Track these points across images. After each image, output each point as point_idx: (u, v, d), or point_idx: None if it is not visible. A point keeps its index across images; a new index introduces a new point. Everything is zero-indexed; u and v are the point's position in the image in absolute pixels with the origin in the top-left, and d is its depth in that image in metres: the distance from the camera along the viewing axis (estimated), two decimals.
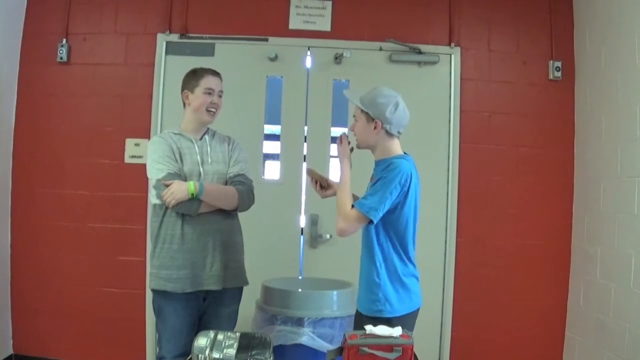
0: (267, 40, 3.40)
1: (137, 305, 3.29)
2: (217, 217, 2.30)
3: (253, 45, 3.39)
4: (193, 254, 2.25)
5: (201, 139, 2.40)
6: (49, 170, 3.37)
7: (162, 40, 3.39)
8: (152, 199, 2.32)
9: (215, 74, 2.39)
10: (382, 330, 1.62)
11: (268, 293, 2.65)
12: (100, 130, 3.36)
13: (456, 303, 3.35)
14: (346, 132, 2.23)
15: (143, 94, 3.36)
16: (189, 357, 1.65)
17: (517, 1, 3.44)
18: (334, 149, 3.43)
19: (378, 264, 2.04)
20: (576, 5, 3.39)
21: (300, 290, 2.66)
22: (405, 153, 2.16)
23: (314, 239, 3.34)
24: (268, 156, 3.82)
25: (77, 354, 3.32)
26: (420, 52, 3.39)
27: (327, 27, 3.42)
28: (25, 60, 3.40)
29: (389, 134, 2.09)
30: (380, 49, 3.41)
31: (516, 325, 3.34)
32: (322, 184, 2.32)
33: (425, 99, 3.41)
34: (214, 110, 2.37)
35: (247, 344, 1.62)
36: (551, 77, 3.38)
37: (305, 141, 3.40)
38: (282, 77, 3.44)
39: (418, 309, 2.10)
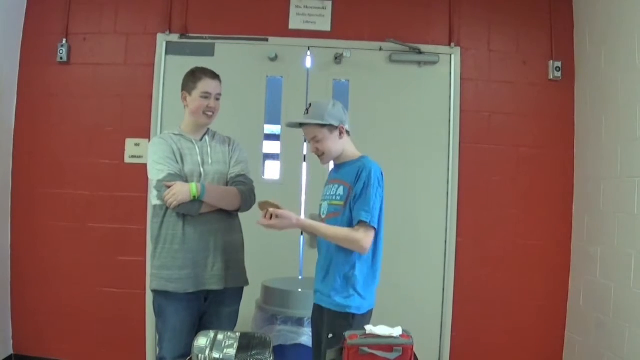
0: (267, 40, 3.40)
1: (137, 305, 3.29)
2: (218, 217, 2.30)
3: (253, 45, 3.40)
4: (194, 254, 2.25)
5: (201, 139, 2.40)
6: (49, 170, 3.37)
7: (162, 40, 3.39)
8: (153, 199, 2.32)
9: (214, 76, 2.37)
10: (382, 330, 1.62)
11: (268, 293, 2.65)
12: (100, 130, 3.36)
13: (456, 303, 3.35)
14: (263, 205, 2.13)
15: (143, 94, 3.36)
16: (189, 357, 1.65)
17: (517, 1, 3.44)
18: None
19: (355, 258, 2.06)
20: (576, 5, 3.39)
21: (300, 290, 2.65)
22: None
23: (314, 239, 3.33)
24: (268, 156, 3.83)
25: (77, 354, 3.32)
26: (420, 52, 3.39)
27: (327, 27, 3.42)
28: (25, 60, 3.40)
29: (348, 134, 2.18)
30: (380, 49, 3.41)
31: (516, 325, 3.34)
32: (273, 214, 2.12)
33: (425, 99, 3.42)
34: (211, 113, 2.36)
35: (247, 344, 1.62)
36: (551, 77, 3.38)
37: (305, 141, 3.39)
38: (282, 77, 3.44)
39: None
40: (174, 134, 2.37)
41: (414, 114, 3.42)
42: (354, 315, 2.03)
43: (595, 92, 3.17)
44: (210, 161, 2.35)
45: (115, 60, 3.40)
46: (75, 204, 3.35)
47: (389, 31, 3.38)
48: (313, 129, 2.14)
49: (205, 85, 2.33)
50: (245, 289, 2.44)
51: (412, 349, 1.60)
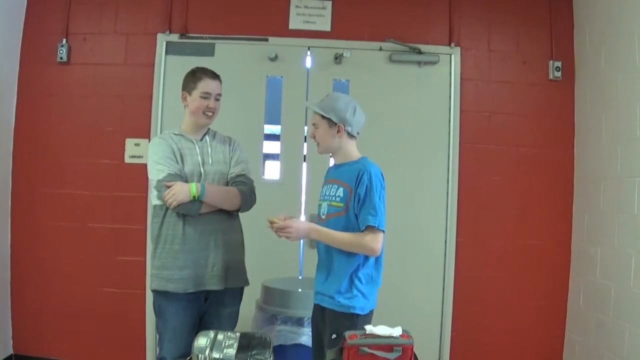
0: (267, 40, 3.40)
1: (137, 305, 3.29)
2: (218, 217, 2.30)
3: (253, 45, 3.40)
4: (194, 254, 2.25)
5: (202, 139, 2.40)
6: (49, 170, 3.37)
7: (162, 40, 3.39)
8: (153, 199, 2.32)
9: (214, 76, 2.37)
10: (382, 330, 1.62)
11: (268, 293, 2.65)
12: (100, 130, 3.36)
13: (456, 303, 3.35)
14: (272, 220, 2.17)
15: (143, 94, 3.36)
16: (189, 358, 1.65)
17: (517, 1, 3.44)
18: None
19: (359, 259, 2.06)
20: (576, 5, 3.39)
21: (300, 290, 2.65)
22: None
23: (314, 240, 3.34)
24: (268, 156, 3.83)
25: (77, 354, 3.32)
26: (420, 52, 3.39)
27: (327, 27, 3.42)
28: (25, 60, 3.40)
29: (350, 136, 2.17)
30: (380, 49, 3.41)
31: (516, 325, 3.34)
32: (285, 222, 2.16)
33: (425, 99, 3.42)
34: (210, 113, 2.36)
35: (247, 344, 1.62)
36: (551, 77, 3.38)
37: (305, 141, 3.40)
38: (282, 77, 3.44)
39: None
40: (174, 134, 2.37)
41: (414, 114, 3.42)
42: (357, 315, 2.03)
43: (595, 92, 3.17)
44: (210, 161, 2.35)
45: (115, 60, 3.40)
46: (75, 204, 3.35)
47: (389, 31, 3.38)
48: (317, 115, 2.17)
49: (205, 85, 2.33)
50: (245, 289, 2.44)
51: (412, 349, 1.59)
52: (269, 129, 3.57)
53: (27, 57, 3.40)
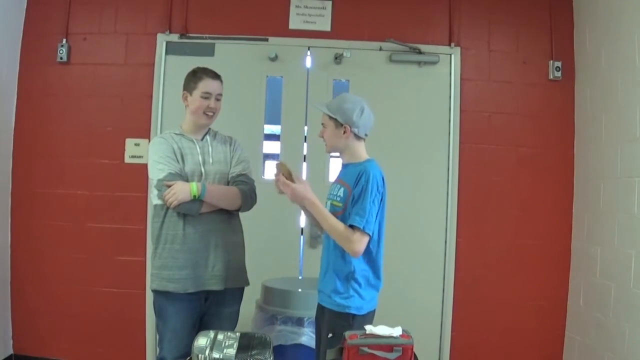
0: (267, 40, 3.40)
1: (137, 305, 3.29)
2: (218, 217, 2.30)
3: (253, 45, 3.40)
4: (195, 254, 2.25)
5: (202, 139, 2.40)
6: (49, 170, 3.37)
7: (162, 40, 3.39)
8: (154, 199, 2.31)
9: (215, 76, 2.37)
10: (382, 330, 1.62)
11: (268, 293, 2.65)
12: (100, 130, 3.36)
13: (456, 303, 3.35)
14: (280, 162, 2.23)
15: (143, 94, 3.36)
16: (189, 358, 1.65)
17: (517, 1, 3.44)
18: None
19: (354, 260, 2.06)
20: (576, 5, 3.39)
21: (300, 290, 2.65)
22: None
23: (314, 239, 3.33)
24: (268, 156, 3.82)
25: (77, 354, 3.32)
26: (420, 52, 3.39)
27: (327, 27, 3.42)
28: (25, 60, 3.40)
29: (357, 137, 2.16)
30: (380, 49, 3.41)
31: (516, 325, 3.34)
32: (289, 178, 2.19)
33: (425, 99, 3.42)
34: (211, 113, 2.36)
35: (247, 344, 1.62)
36: (551, 77, 3.38)
37: (305, 141, 3.39)
38: (282, 77, 3.44)
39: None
40: (175, 134, 2.37)
41: (414, 114, 3.42)
42: (353, 315, 2.03)
43: (595, 92, 3.16)
44: (211, 161, 2.35)
45: (115, 60, 3.40)
46: (75, 204, 3.35)
47: (389, 31, 3.38)
48: (324, 114, 2.18)
49: (206, 85, 2.33)
50: (246, 289, 2.45)
51: (412, 349, 1.59)
52: (269, 129, 3.56)
53: (27, 57, 3.40)
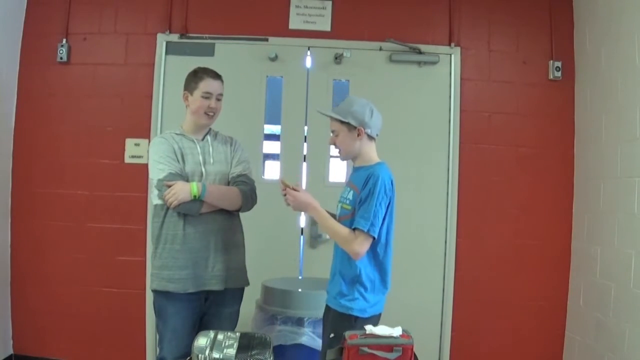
0: (267, 40, 3.40)
1: (137, 305, 3.29)
2: (218, 217, 2.30)
3: (253, 45, 3.40)
4: (195, 254, 2.25)
5: (203, 139, 2.40)
6: (49, 170, 3.37)
7: (162, 40, 3.39)
8: (154, 199, 2.31)
9: (216, 76, 2.37)
10: (382, 330, 1.62)
11: (268, 293, 2.65)
12: (100, 130, 3.36)
13: (456, 303, 3.35)
14: (281, 179, 2.21)
15: (143, 94, 3.36)
16: (189, 358, 1.65)
17: (517, 1, 3.44)
18: (334, 149, 3.43)
19: (360, 263, 2.06)
20: (576, 5, 3.39)
21: (300, 290, 2.65)
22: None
23: (314, 239, 3.34)
24: (268, 156, 3.82)
25: (77, 354, 3.32)
26: (420, 52, 3.39)
27: (327, 27, 3.42)
28: (25, 60, 3.40)
29: (370, 138, 2.17)
30: (380, 49, 3.41)
31: (516, 325, 3.34)
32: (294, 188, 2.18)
33: (425, 99, 3.42)
34: (212, 113, 2.36)
35: (247, 344, 1.62)
36: (551, 77, 3.38)
37: (305, 141, 3.39)
38: (282, 77, 3.44)
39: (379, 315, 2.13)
40: (176, 134, 2.37)
41: (414, 114, 3.42)
42: (356, 317, 2.02)
43: (595, 92, 3.16)
44: (212, 161, 2.35)
45: (115, 60, 3.40)
46: (75, 204, 3.35)
47: (389, 31, 3.38)
48: (335, 122, 2.16)
49: (207, 85, 2.33)
50: (246, 289, 2.45)
51: (412, 349, 1.59)
52: (269, 129, 3.56)
53: (27, 57, 3.40)
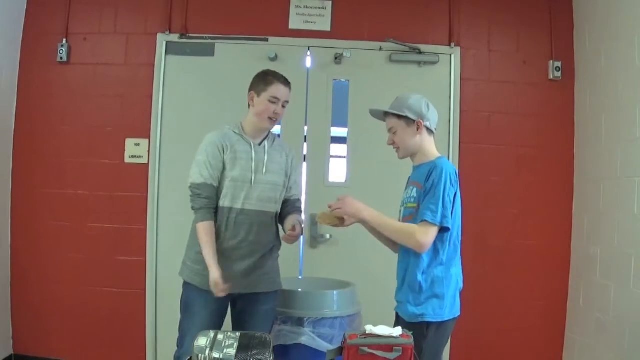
0: (267, 40, 3.40)
1: (137, 305, 3.29)
2: (256, 219, 2.30)
3: (253, 45, 3.39)
4: (230, 254, 2.26)
5: (260, 144, 2.37)
6: (49, 170, 3.37)
7: (162, 40, 3.39)
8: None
9: (286, 83, 2.36)
10: (382, 330, 1.62)
11: None
12: (100, 130, 3.36)
13: None
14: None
15: (143, 94, 3.36)
16: (189, 358, 1.65)
17: (517, 1, 3.44)
18: (334, 149, 3.44)
19: (424, 263, 1.98)
20: (576, 5, 3.39)
21: (300, 290, 2.65)
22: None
23: (314, 239, 3.34)
24: None
25: (77, 354, 3.32)
26: (420, 52, 3.39)
27: (327, 27, 3.42)
28: (25, 60, 3.40)
29: (429, 132, 2.10)
30: (380, 49, 3.41)
31: (516, 325, 3.34)
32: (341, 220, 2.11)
33: None
34: (275, 119, 2.35)
35: (247, 344, 1.61)
36: (551, 77, 3.38)
37: (305, 141, 3.39)
38: None
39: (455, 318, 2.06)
40: (234, 132, 2.35)
41: None
42: (428, 324, 1.94)
43: (595, 92, 3.16)
44: (264, 170, 2.33)
45: (116, 60, 3.40)
46: (75, 204, 3.35)
47: (389, 31, 3.38)
48: (391, 119, 2.11)
49: (277, 90, 2.33)
50: None
51: (412, 349, 1.59)
52: None
53: (27, 57, 3.40)
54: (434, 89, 3.42)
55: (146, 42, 3.39)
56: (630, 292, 2.66)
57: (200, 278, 2.24)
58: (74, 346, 3.32)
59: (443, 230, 1.96)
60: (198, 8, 3.42)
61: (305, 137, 3.39)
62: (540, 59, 3.41)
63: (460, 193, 2.04)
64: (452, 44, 3.42)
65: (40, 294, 3.34)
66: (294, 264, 3.33)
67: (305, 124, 3.39)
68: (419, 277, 1.98)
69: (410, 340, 1.61)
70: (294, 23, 3.41)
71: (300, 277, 3.22)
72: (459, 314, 2.08)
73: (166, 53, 3.38)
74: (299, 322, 2.43)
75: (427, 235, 1.91)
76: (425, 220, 1.90)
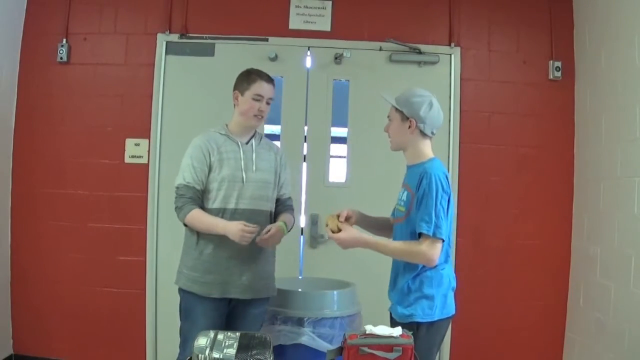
0: (267, 40, 3.40)
1: (137, 305, 3.29)
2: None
3: (253, 45, 3.39)
4: (226, 261, 2.26)
5: (247, 142, 2.39)
6: (49, 170, 3.37)
7: (162, 40, 3.38)
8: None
9: (269, 80, 2.36)
10: (382, 330, 1.62)
11: None
12: (100, 130, 3.36)
13: (456, 303, 3.34)
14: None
15: (143, 94, 3.36)
16: (189, 358, 1.65)
17: (517, 1, 3.44)
18: (334, 149, 3.44)
19: (419, 266, 1.99)
20: (576, 5, 3.39)
21: (300, 290, 2.65)
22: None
23: (314, 239, 3.34)
24: None
25: (77, 354, 3.32)
26: (420, 52, 3.39)
27: (327, 27, 3.42)
28: (25, 60, 3.40)
29: (423, 134, 2.07)
30: (380, 49, 3.41)
31: (516, 325, 3.35)
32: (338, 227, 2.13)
33: None
34: (260, 116, 2.36)
35: (247, 344, 1.61)
36: (551, 77, 3.38)
37: (305, 141, 3.39)
38: (282, 77, 3.44)
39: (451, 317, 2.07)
40: (220, 134, 2.36)
41: None
42: (418, 324, 1.95)
43: (595, 92, 3.16)
44: (254, 168, 2.35)
45: (116, 60, 3.39)
46: (75, 204, 3.35)
47: (389, 31, 3.38)
48: (392, 107, 2.11)
49: (260, 87, 2.33)
50: None
51: (412, 349, 1.60)
52: (270, 129, 3.56)
53: (27, 57, 3.40)
54: (434, 89, 3.34)
55: (146, 42, 3.39)
56: (630, 292, 2.66)
57: (199, 285, 2.25)
58: (74, 346, 3.32)
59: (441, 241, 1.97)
60: (198, 8, 3.41)
61: (305, 137, 3.39)
62: (540, 59, 3.41)
63: (456, 193, 2.02)
64: (452, 44, 3.42)
65: (40, 294, 3.34)
66: (294, 264, 3.33)
67: (305, 124, 3.39)
68: (408, 278, 2.00)
69: (410, 340, 1.61)
70: (294, 23, 3.41)
71: (300, 277, 3.22)
72: (453, 312, 2.08)
73: (166, 53, 3.38)
74: (299, 322, 2.43)
75: (434, 250, 1.92)
76: (426, 235, 1.91)
